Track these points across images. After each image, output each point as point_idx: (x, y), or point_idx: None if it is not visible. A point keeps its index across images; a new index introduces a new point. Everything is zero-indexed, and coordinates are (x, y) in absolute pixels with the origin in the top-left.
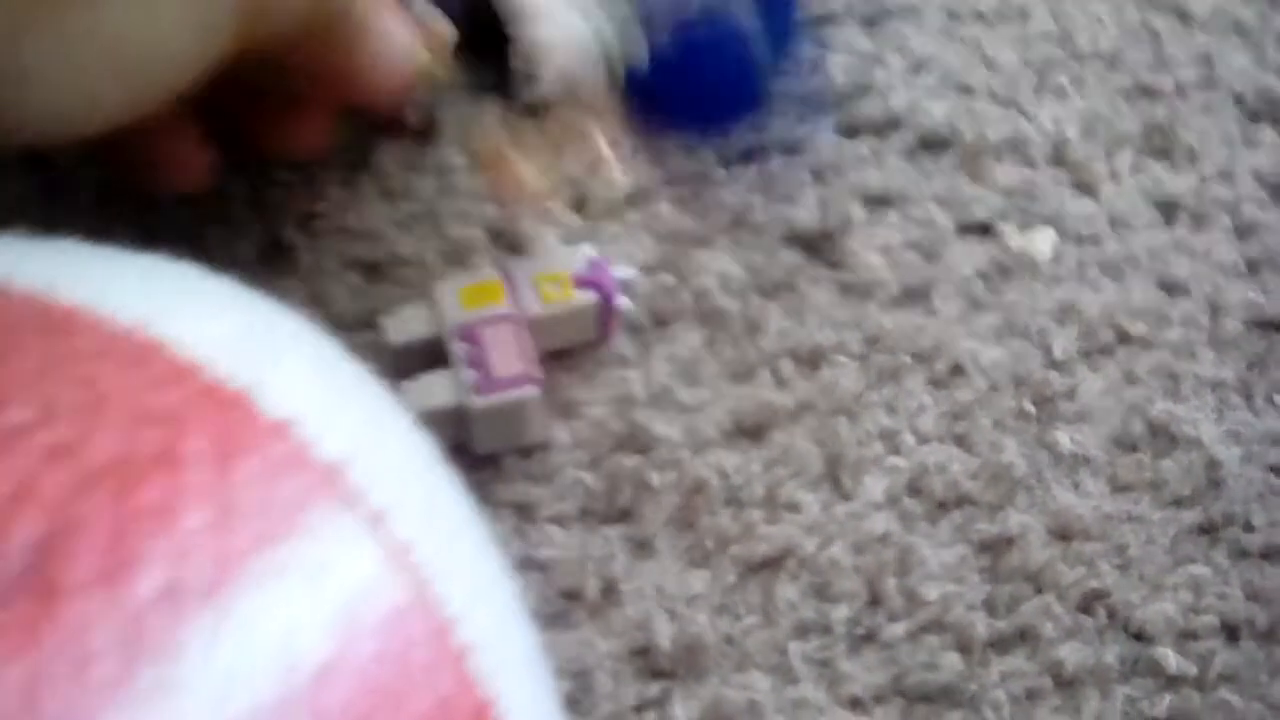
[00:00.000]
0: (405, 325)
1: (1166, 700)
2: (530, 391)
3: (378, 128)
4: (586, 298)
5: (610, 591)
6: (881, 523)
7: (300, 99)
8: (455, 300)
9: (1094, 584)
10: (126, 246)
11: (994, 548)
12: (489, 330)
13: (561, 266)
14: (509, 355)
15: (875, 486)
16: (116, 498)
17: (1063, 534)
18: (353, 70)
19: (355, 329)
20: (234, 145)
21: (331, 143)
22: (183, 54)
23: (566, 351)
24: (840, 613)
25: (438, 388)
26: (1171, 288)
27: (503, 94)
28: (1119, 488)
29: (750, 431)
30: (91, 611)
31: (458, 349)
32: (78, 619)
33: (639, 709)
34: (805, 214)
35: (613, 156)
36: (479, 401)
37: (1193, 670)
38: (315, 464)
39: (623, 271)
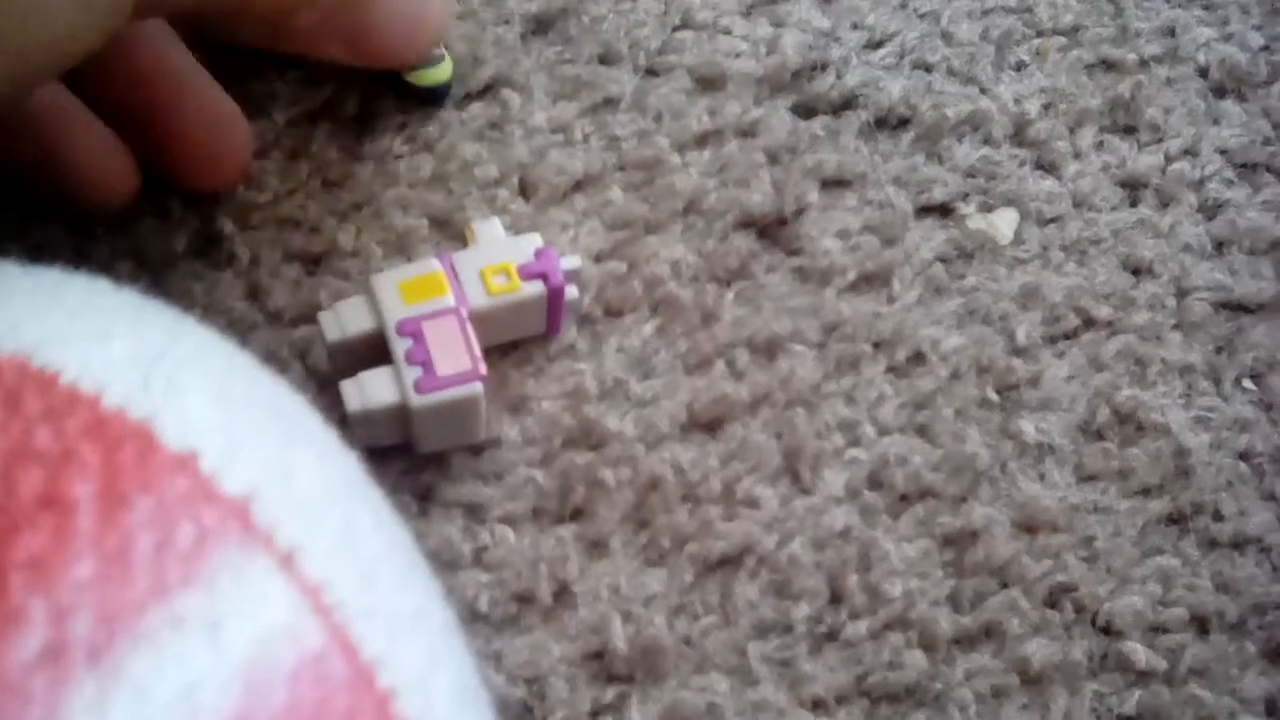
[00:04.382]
0: (343, 321)
1: (1136, 696)
2: (475, 388)
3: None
4: (534, 288)
5: (564, 593)
6: (842, 517)
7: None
8: (395, 294)
9: (1060, 577)
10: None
11: (958, 541)
12: (431, 325)
13: (507, 256)
14: (453, 350)
15: (835, 480)
16: None
17: (1028, 526)
18: (365, 28)
19: (295, 323)
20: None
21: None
22: (66, 25)
23: (514, 345)
24: (801, 611)
25: (378, 386)
26: (1137, 269)
27: None
28: (1085, 477)
29: (706, 425)
30: None
31: (399, 345)
32: None
33: (595, 714)
34: (759, 197)
35: None
36: (421, 400)
37: (1162, 665)
38: (218, 501)
39: (571, 260)
